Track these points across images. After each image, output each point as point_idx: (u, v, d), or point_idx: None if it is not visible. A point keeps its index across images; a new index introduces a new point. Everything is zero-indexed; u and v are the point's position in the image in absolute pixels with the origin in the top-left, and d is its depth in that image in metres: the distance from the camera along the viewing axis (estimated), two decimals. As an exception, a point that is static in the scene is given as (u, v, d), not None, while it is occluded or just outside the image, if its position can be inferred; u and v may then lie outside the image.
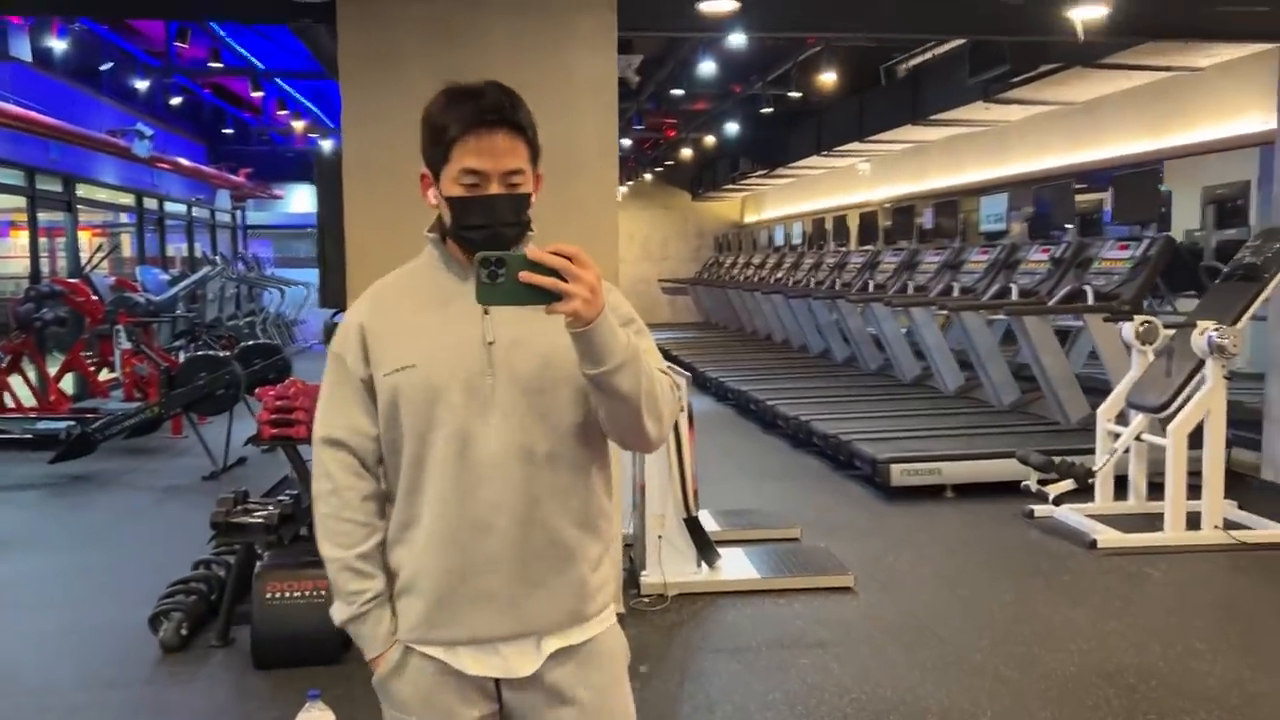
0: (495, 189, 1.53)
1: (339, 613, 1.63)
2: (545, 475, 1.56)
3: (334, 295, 4.22)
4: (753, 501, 6.16)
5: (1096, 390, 7.14)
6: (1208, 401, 5.22)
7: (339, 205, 4.05)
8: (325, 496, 1.62)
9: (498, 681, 1.60)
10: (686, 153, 16.10)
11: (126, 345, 8.86)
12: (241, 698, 3.63)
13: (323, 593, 3.60)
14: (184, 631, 3.98)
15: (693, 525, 4.59)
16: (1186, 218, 8.07)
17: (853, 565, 4.79)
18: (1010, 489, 5.95)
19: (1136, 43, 6.50)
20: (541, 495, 1.56)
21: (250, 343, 9.17)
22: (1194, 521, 5.24)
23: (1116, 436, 5.72)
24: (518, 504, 1.54)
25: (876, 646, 3.97)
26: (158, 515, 6.22)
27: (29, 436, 7.55)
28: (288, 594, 3.75)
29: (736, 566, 4.74)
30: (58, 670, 3.86)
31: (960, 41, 8.30)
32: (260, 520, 3.98)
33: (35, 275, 10.31)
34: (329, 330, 4.76)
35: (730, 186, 17.93)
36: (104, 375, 9.47)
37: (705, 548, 4.63)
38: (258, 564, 3.95)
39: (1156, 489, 5.49)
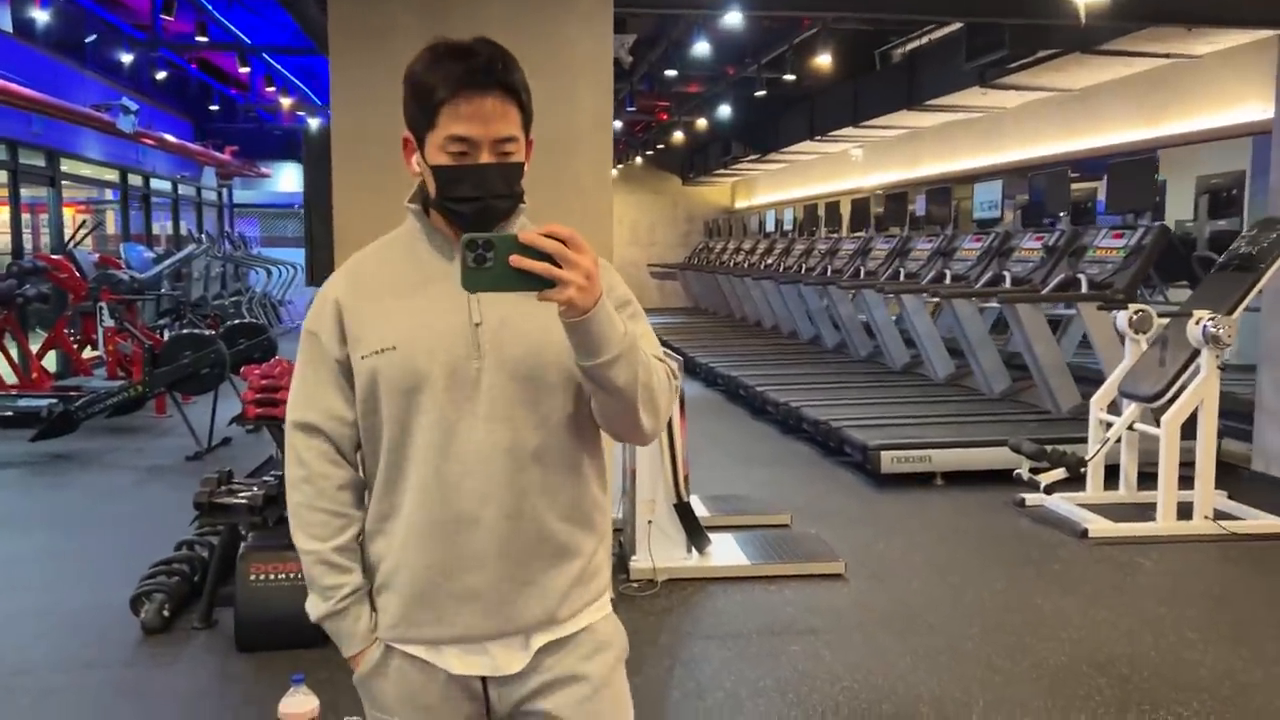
0: (486, 158, 1.41)
1: (315, 608, 1.53)
2: (535, 467, 1.46)
3: (322, 274, 4.16)
4: (742, 487, 6.12)
5: (1087, 379, 7.13)
6: (1201, 392, 5.20)
7: (327, 183, 3.99)
8: (298, 484, 1.51)
9: (484, 679, 1.52)
10: (678, 136, 16.00)
11: (110, 323, 8.76)
12: (224, 680, 3.57)
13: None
14: (166, 613, 3.92)
15: (684, 511, 4.55)
16: (1179, 208, 8.05)
17: (843, 552, 4.76)
18: (1001, 477, 5.93)
19: (1138, 27, 6.45)
20: (530, 488, 1.46)
21: (236, 322, 9.09)
22: (1185, 511, 5.24)
23: (1109, 426, 5.70)
24: (505, 497, 1.44)
25: (868, 634, 3.95)
26: (140, 495, 6.14)
27: (10, 414, 7.46)
28: (272, 576, 3.69)
29: (726, 552, 4.71)
30: (35, 651, 3.79)
31: (957, 26, 8.23)
32: (244, 501, 3.91)
33: (17, 251, 10.18)
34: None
35: (721, 171, 17.85)
36: (87, 353, 9.37)
37: (696, 533, 4.59)
38: (241, 545, 3.88)
39: (1147, 479, 5.49)
